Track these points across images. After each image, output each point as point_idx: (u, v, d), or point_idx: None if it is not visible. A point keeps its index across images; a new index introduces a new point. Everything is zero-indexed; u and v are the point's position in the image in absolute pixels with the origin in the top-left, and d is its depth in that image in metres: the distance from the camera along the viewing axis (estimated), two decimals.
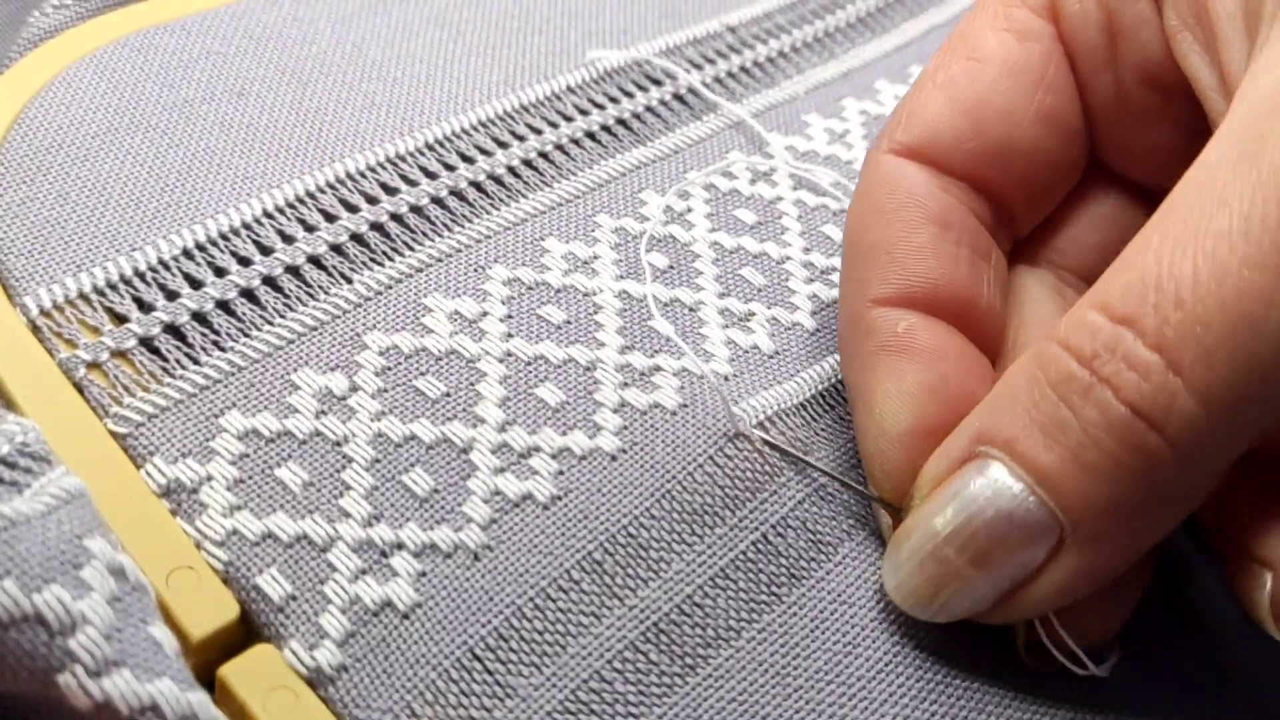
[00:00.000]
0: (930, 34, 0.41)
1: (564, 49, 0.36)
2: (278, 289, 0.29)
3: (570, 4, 0.37)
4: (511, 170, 0.33)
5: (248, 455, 0.26)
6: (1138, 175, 0.29)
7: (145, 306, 0.28)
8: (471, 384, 0.28)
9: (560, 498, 0.26)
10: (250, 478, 0.26)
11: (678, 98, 0.36)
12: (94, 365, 0.27)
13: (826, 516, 0.28)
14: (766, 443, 0.28)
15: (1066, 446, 0.23)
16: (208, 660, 0.24)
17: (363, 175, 0.31)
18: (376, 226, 0.30)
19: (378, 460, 0.26)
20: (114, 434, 0.26)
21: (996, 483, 0.24)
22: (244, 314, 0.28)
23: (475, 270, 0.30)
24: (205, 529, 0.25)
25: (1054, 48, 0.28)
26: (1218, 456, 0.23)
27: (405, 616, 0.24)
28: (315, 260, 0.29)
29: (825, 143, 0.36)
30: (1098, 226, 0.29)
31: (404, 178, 0.32)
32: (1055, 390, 0.23)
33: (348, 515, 0.25)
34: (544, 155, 0.33)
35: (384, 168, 0.32)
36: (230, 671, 0.24)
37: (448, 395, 0.28)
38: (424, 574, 0.25)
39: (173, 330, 0.28)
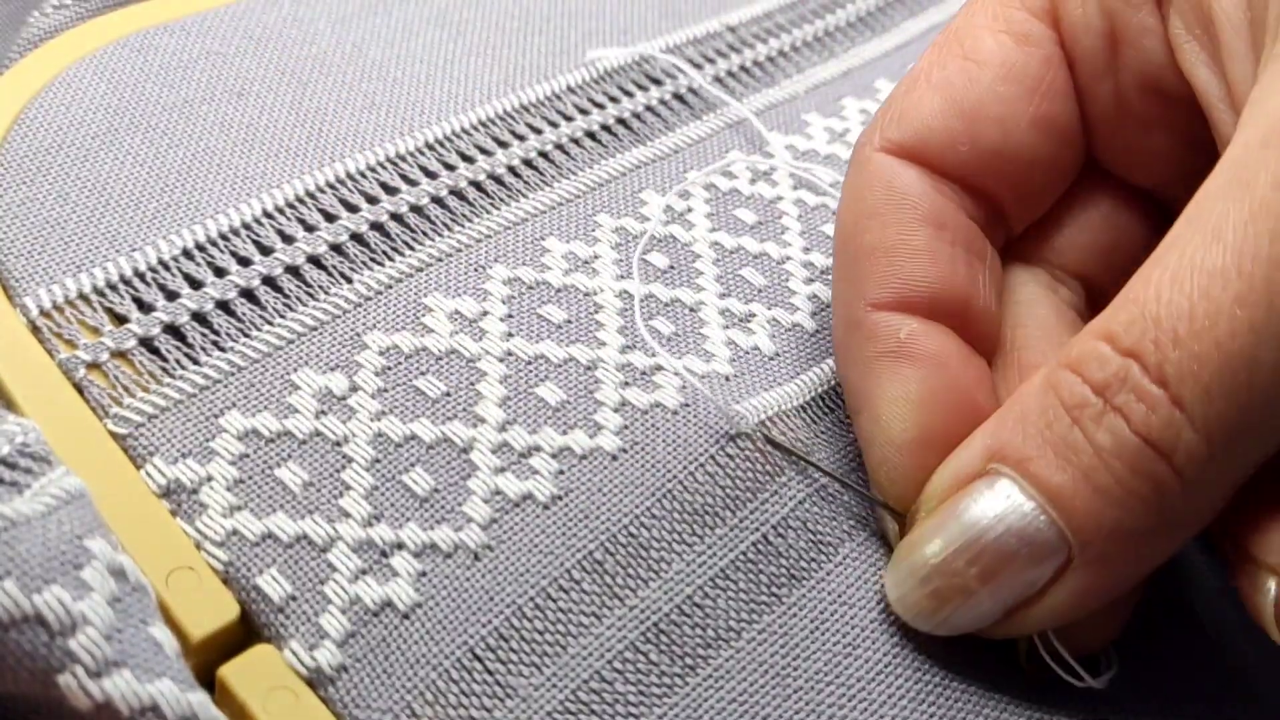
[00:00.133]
0: (930, 33, 0.41)
1: (564, 49, 0.36)
2: (278, 289, 0.29)
3: (570, 4, 0.37)
4: (512, 170, 0.33)
5: (248, 455, 0.26)
6: (1136, 178, 0.29)
7: (145, 307, 0.28)
8: (472, 383, 0.28)
9: (561, 497, 0.26)
10: (250, 478, 0.26)
11: (678, 97, 0.36)
12: (94, 366, 0.27)
13: (827, 517, 0.28)
14: (769, 441, 0.28)
15: (1079, 468, 0.23)
16: (208, 660, 0.24)
17: (363, 175, 0.31)
18: (376, 226, 0.30)
19: (378, 460, 0.26)
20: (114, 434, 0.26)
21: (1008, 500, 0.24)
22: (244, 314, 0.28)
23: (475, 270, 0.30)
24: (205, 529, 0.25)
25: (1054, 53, 0.28)
26: (1223, 485, 0.23)
27: (405, 616, 0.24)
28: (315, 260, 0.29)
29: (825, 142, 0.36)
30: (1094, 227, 0.29)
31: (404, 177, 0.32)
32: (1070, 414, 0.24)
33: (348, 515, 0.25)
34: (544, 155, 0.33)
35: (384, 167, 0.32)
36: (230, 672, 0.24)
37: (448, 395, 0.27)
38: (424, 574, 0.25)
39: (173, 330, 0.28)
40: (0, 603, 0.21)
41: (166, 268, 0.28)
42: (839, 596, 0.26)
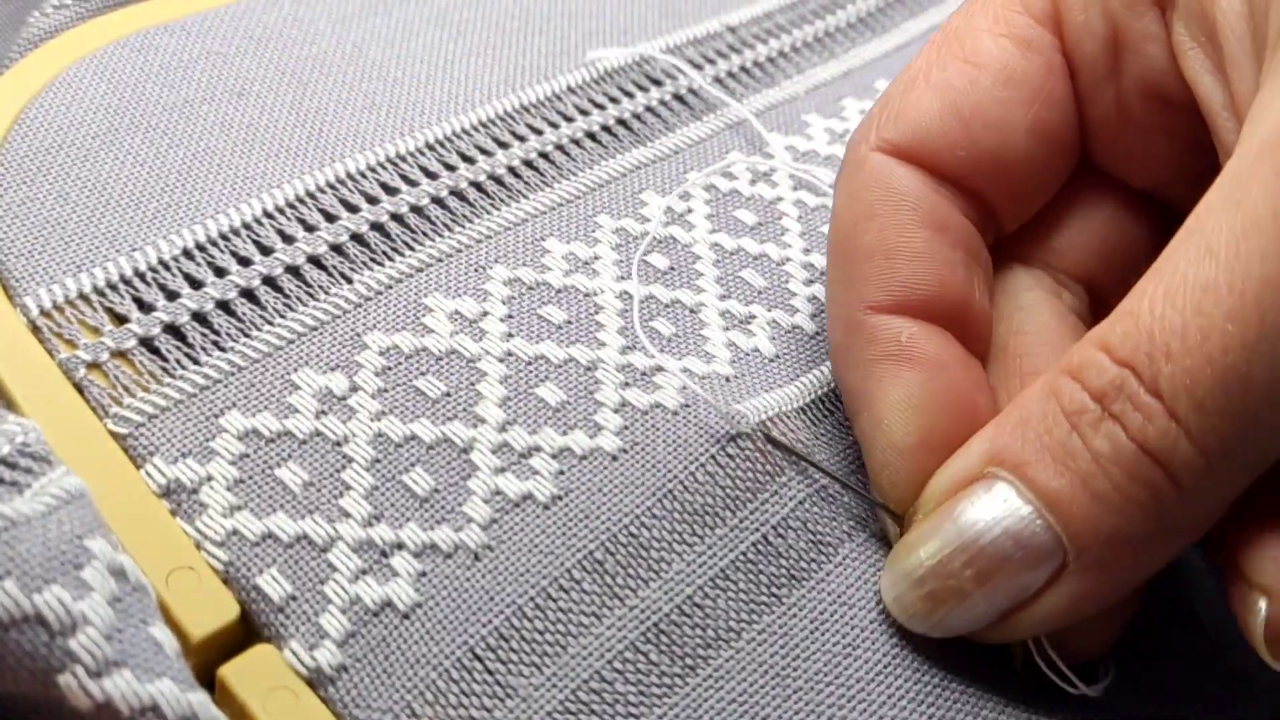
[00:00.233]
0: (930, 34, 0.41)
1: (564, 49, 0.36)
2: (278, 289, 0.29)
3: (570, 4, 0.37)
4: (512, 170, 0.33)
5: (248, 455, 0.26)
6: (1136, 181, 0.29)
7: (145, 307, 0.28)
8: (472, 384, 0.28)
9: (561, 497, 0.26)
10: (250, 478, 0.26)
11: (678, 98, 0.36)
12: (94, 365, 0.27)
13: (827, 518, 0.28)
14: (770, 441, 0.28)
15: (1077, 474, 0.23)
16: (208, 660, 0.24)
17: (363, 175, 0.31)
18: (377, 226, 0.30)
19: (378, 460, 0.26)
20: (114, 434, 0.26)
21: (1005, 503, 0.24)
22: (244, 314, 0.28)
23: (476, 270, 0.30)
24: (205, 529, 0.25)
25: (1055, 59, 0.28)
26: (1220, 495, 0.23)
27: (405, 616, 0.24)
28: (315, 260, 0.29)
29: (825, 143, 0.36)
30: (1097, 230, 0.29)
31: (404, 178, 0.32)
32: (1069, 419, 0.24)
33: (348, 515, 0.25)
34: (544, 155, 0.33)
35: (384, 168, 0.32)
36: (230, 672, 0.24)
37: (448, 395, 0.27)
38: (424, 574, 0.25)
39: (173, 330, 0.28)
40: (0, 602, 0.21)
41: (167, 268, 0.28)
42: (839, 597, 0.26)
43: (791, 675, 0.25)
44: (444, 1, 0.36)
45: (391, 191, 0.31)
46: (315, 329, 0.28)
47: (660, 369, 0.29)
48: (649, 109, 0.35)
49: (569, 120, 0.34)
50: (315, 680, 0.24)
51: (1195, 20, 0.26)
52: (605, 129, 0.34)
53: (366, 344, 0.28)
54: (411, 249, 0.30)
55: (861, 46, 0.40)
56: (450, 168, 0.32)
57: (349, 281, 0.29)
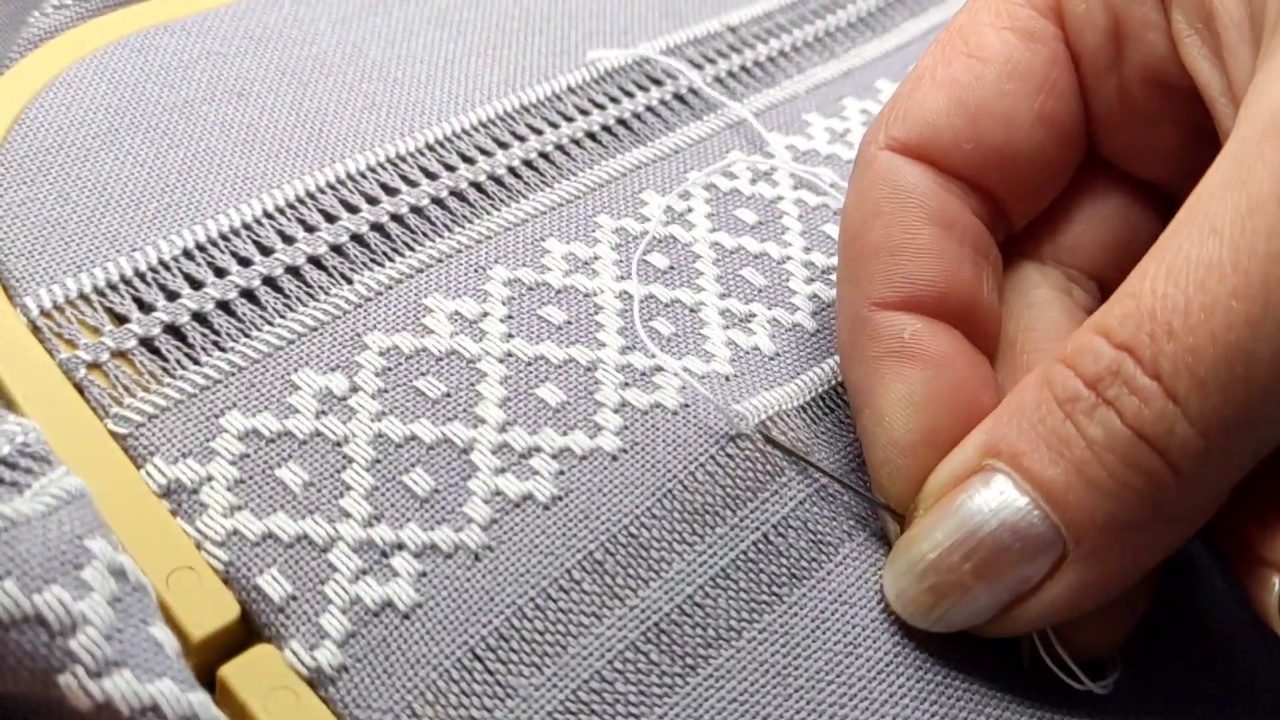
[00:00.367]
0: (931, 33, 0.41)
1: (564, 49, 0.36)
2: (278, 289, 0.29)
3: (570, 4, 0.37)
4: (512, 171, 0.33)
5: (248, 455, 0.26)
6: (1142, 172, 0.29)
7: (145, 307, 0.28)
8: (472, 384, 0.28)
9: (561, 498, 0.26)
10: (251, 478, 0.26)
11: (678, 97, 0.36)
12: (94, 365, 0.27)
13: (827, 517, 0.28)
14: (770, 441, 0.28)
15: (1071, 462, 0.23)
16: (208, 660, 0.24)
17: (363, 176, 0.31)
18: (377, 227, 0.30)
19: (378, 460, 0.26)
20: (114, 434, 0.26)
21: (1002, 495, 0.24)
22: (244, 314, 0.28)
23: (476, 271, 0.30)
24: (205, 529, 0.25)
25: (1059, 50, 0.28)
26: (1220, 480, 0.23)
27: (406, 617, 0.24)
28: (315, 261, 0.29)
29: (826, 142, 0.36)
30: (1104, 223, 0.29)
31: (404, 178, 0.32)
32: (1062, 408, 0.23)
33: (348, 515, 0.25)
34: (544, 155, 0.33)
35: (384, 168, 0.32)
36: (231, 672, 0.24)
37: (448, 395, 0.27)
38: (424, 574, 0.25)
39: (173, 330, 0.28)
40: (1, 603, 0.21)
41: (167, 268, 0.28)
42: (840, 596, 0.26)
43: (793, 674, 0.25)
44: (444, 1, 0.36)
45: (391, 192, 0.31)
46: (315, 329, 0.28)
47: (660, 369, 0.29)
48: (649, 109, 0.35)
49: (569, 120, 0.34)
50: (316, 680, 0.24)
51: (1193, 7, 0.26)
52: (605, 129, 0.34)
53: (367, 344, 0.28)
54: (411, 249, 0.30)
55: (862, 46, 0.40)
56: (450, 168, 0.32)
57: (349, 282, 0.29)
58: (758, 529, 0.27)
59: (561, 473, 0.27)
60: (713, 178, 0.34)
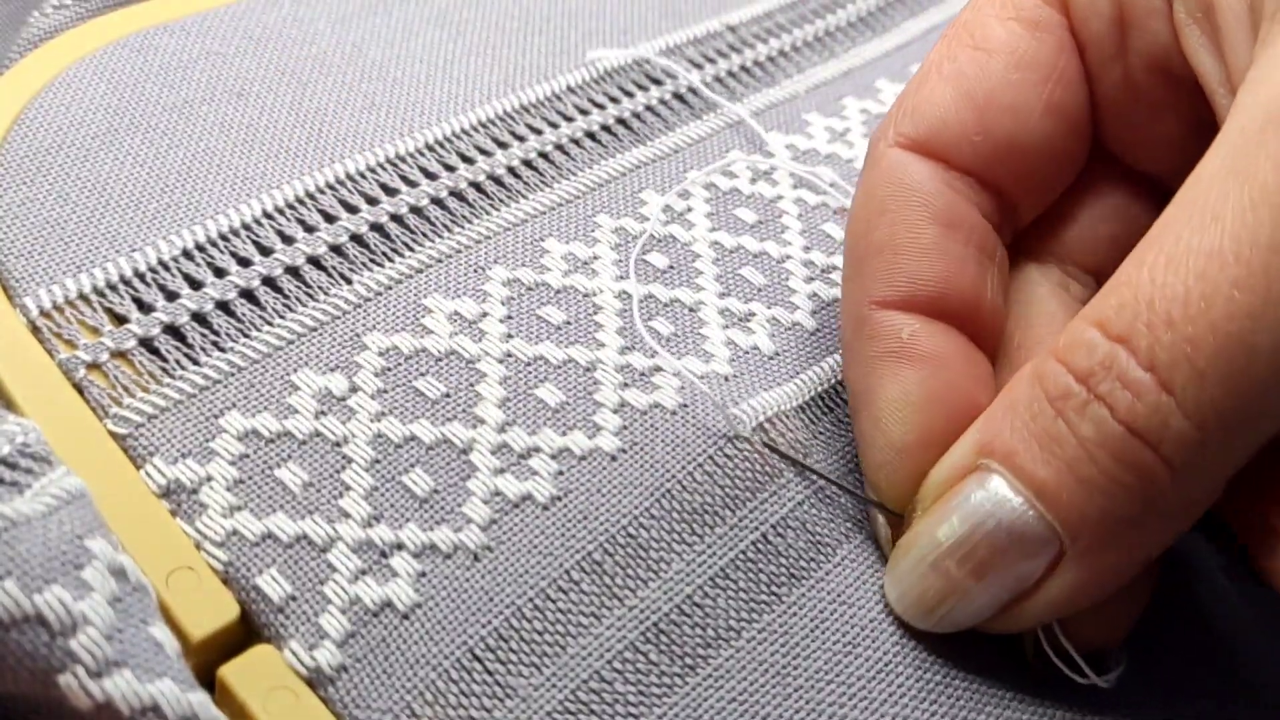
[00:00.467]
0: (931, 33, 0.41)
1: (564, 49, 0.36)
2: (277, 289, 0.29)
3: (570, 4, 0.37)
4: (511, 170, 0.33)
5: (247, 456, 0.26)
6: (1145, 165, 0.29)
7: (145, 307, 0.28)
8: (471, 384, 0.28)
9: (560, 498, 0.26)
10: (250, 478, 0.26)
11: (678, 97, 0.36)
12: (94, 366, 0.27)
13: (826, 517, 0.28)
14: (768, 446, 0.28)
15: (1063, 460, 0.23)
16: (208, 661, 0.24)
17: (362, 176, 0.31)
18: (376, 227, 0.30)
19: (377, 461, 0.26)
20: (114, 434, 0.26)
21: (997, 495, 0.24)
22: (244, 314, 0.28)
23: (475, 271, 0.30)
24: (205, 529, 0.25)
25: (1064, 39, 0.27)
26: (1215, 472, 0.23)
27: (405, 617, 0.24)
28: (315, 261, 0.29)
29: (825, 141, 0.36)
30: (1104, 220, 0.29)
31: (404, 178, 0.32)
32: (1053, 405, 0.23)
33: (348, 516, 0.25)
34: (544, 155, 0.33)
35: (384, 168, 0.32)
36: (230, 672, 0.24)
37: (447, 396, 0.28)
38: (424, 574, 0.25)
39: (172, 331, 0.28)
40: (1, 603, 0.21)
41: (166, 268, 0.28)
42: (839, 596, 0.26)
43: (792, 674, 0.25)
44: (444, 1, 0.36)
45: (391, 192, 0.31)
46: (315, 330, 0.28)
47: (659, 369, 0.29)
48: (648, 108, 0.35)
49: (568, 120, 0.34)
50: (315, 680, 0.24)
51: None
52: (605, 128, 0.34)
53: (366, 345, 0.28)
54: (411, 250, 0.30)
55: (862, 46, 0.40)
56: (450, 168, 0.32)
57: (348, 282, 0.29)
58: (757, 529, 0.27)
59: (560, 473, 0.27)
60: (712, 177, 0.34)
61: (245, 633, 0.25)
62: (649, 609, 0.25)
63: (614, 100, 0.35)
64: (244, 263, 0.29)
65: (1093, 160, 0.29)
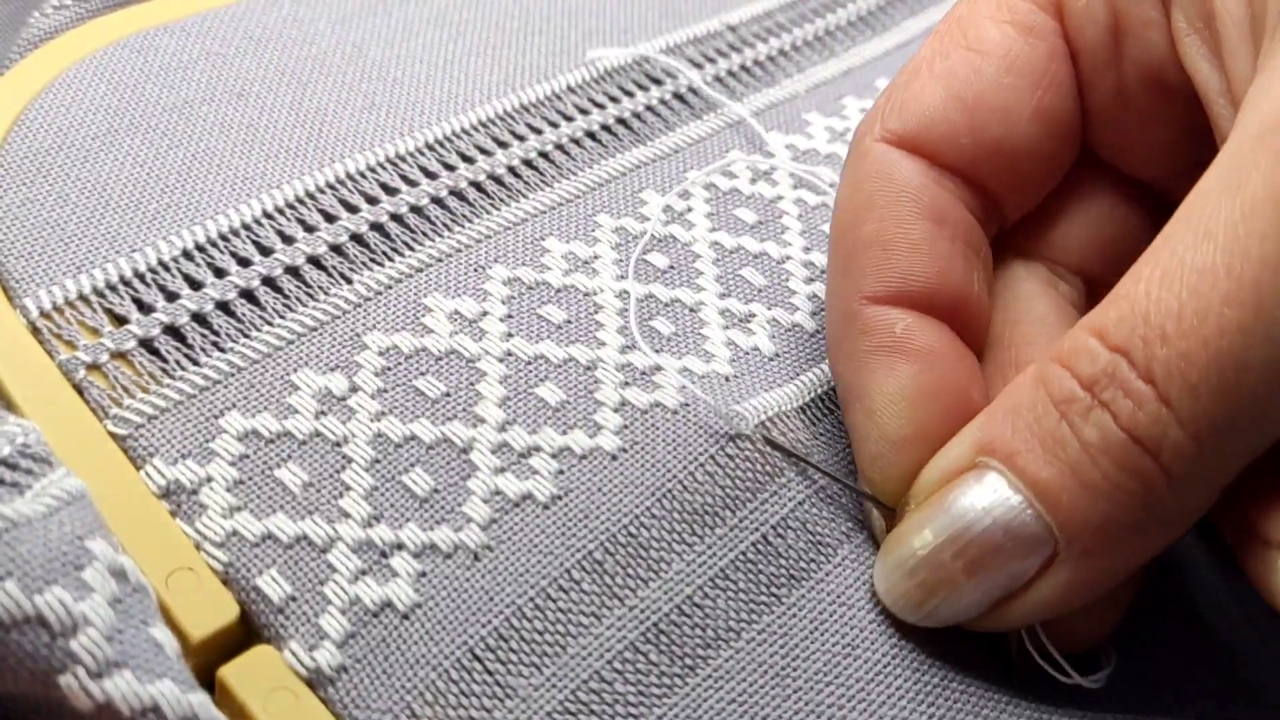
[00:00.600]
0: (932, 33, 0.41)
1: (564, 48, 0.36)
2: (277, 289, 0.29)
3: (570, 4, 0.37)
4: (511, 170, 0.33)
5: (247, 456, 0.26)
6: (1135, 170, 0.29)
7: (145, 308, 0.28)
8: (471, 384, 0.28)
9: (560, 497, 0.26)
10: (250, 479, 0.26)
11: (678, 97, 0.36)
12: (94, 367, 0.27)
13: (826, 518, 0.28)
14: (769, 442, 0.28)
15: (1066, 463, 0.23)
16: (208, 661, 0.24)
17: (362, 175, 0.31)
18: (376, 227, 0.30)
19: (377, 460, 0.26)
20: (114, 435, 0.26)
21: (995, 493, 0.24)
22: (244, 315, 0.28)
23: (475, 270, 0.30)
24: (205, 530, 0.25)
25: (1058, 45, 0.28)
26: (1211, 482, 0.23)
27: (405, 617, 0.24)
28: (315, 260, 0.29)
29: (826, 141, 0.36)
30: (1093, 221, 0.29)
31: (404, 178, 0.32)
32: (1058, 408, 0.24)
33: (347, 516, 0.25)
34: (544, 155, 0.33)
35: (384, 168, 0.32)
36: (230, 672, 0.24)
37: (448, 395, 0.28)
38: (424, 574, 0.25)
39: (172, 331, 0.28)
40: (2, 603, 0.21)
41: (166, 269, 0.28)
42: (838, 597, 0.26)
43: (791, 675, 0.25)
44: (444, 1, 0.36)
45: (391, 192, 0.31)
46: (315, 329, 0.28)
47: (660, 368, 0.29)
48: (649, 108, 0.35)
49: (569, 119, 0.34)
50: (315, 681, 0.24)
51: (1194, 7, 0.26)
52: (605, 128, 0.34)
53: (366, 344, 0.28)
54: (411, 249, 0.30)
55: (862, 45, 0.40)
56: (450, 168, 0.32)
57: (348, 282, 0.29)
58: (757, 530, 0.27)
59: (561, 472, 0.27)
60: (712, 177, 0.34)
61: (245, 633, 0.25)
62: (649, 609, 0.25)
63: (614, 100, 0.35)
64: (244, 263, 0.29)
65: (1083, 164, 0.29)
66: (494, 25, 0.36)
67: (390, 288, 0.29)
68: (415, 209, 0.31)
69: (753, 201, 0.33)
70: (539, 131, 0.34)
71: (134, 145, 0.30)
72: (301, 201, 0.30)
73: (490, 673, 0.24)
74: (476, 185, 0.32)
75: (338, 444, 0.26)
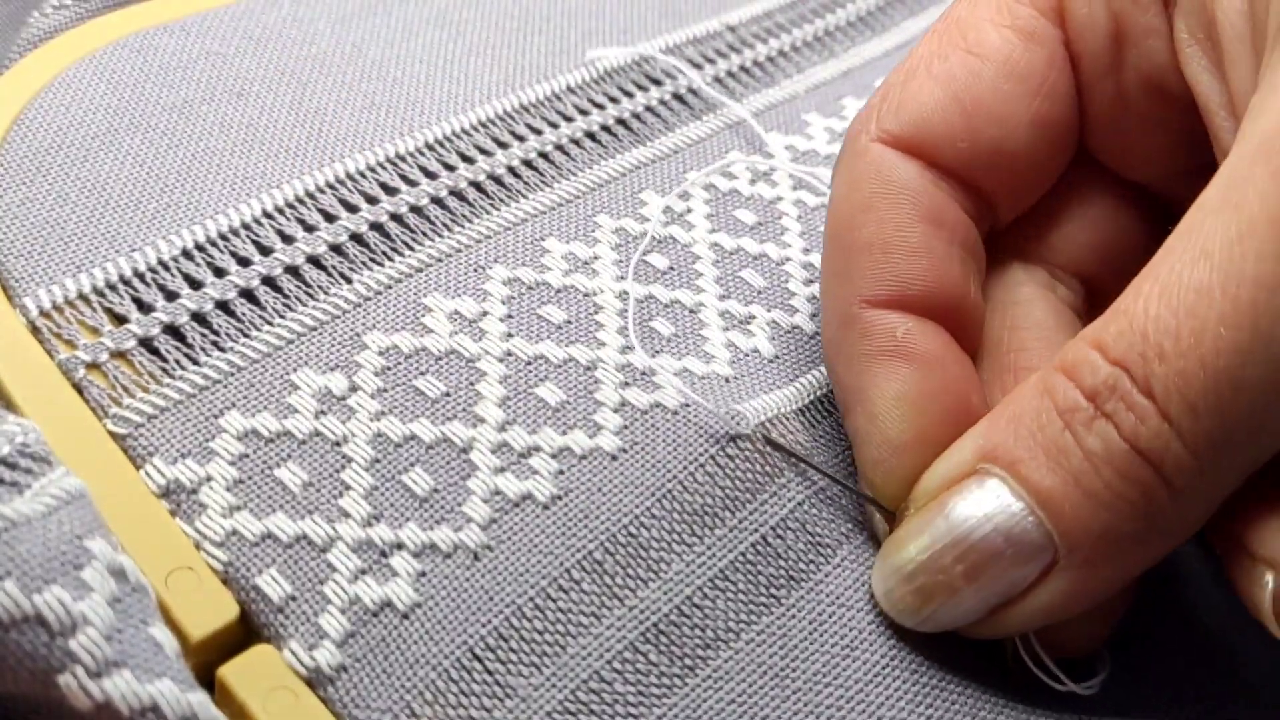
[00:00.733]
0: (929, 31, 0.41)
1: (564, 49, 0.36)
2: (277, 289, 0.29)
3: (570, 4, 0.37)
4: (511, 170, 0.33)
5: (247, 455, 0.26)
6: (1132, 174, 0.29)
7: (145, 307, 0.28)
8: (471, 384, 0.28)
9: (560, 497, 0.26)
10: (250, 478, 0.26)
11: (677, 97, 0.36)
12: (93, 366, 0.27)
13: (826, 519, 0.28)
14: (769, 442, 0.28)
15: (1069, 472, 0.23)
16: (207, 661, 0.24)
17: (362, 175, 0.31)
18: (376, 226, 0.30)
19: (377, 460, 0.26)
20: (113, 434, 0.26)
21: (997, 500, 0.24)
22: (243, 314, 0.28)
23: (475, 270, 0.30)
24: (205, 529, 0.25)
25: (1058, 52, 0.28)
26: (1211, 495, 0.24)
27: (405, 616, 0.24)
28: (315, 260, 0.29)
29: (825, 142, 0.36)
30: (1092, 225, 0.29)
31: (404, 178, 0.32)
32: (1062, 417, 0.24)
33: (347, 515, 0.25)
34: (544, 155, 0.33)
35: (384, 168, 0.32)
36: (230, 672, 0.24)
37: (447, 395, 0.28)
38: (424, 574, 0.25)
39: (172, 331, 0.28)
40: (1, 603, 0.21)
41: (166, 268, 0.28)
42: (837, 598, 0.26)
43: (790, 676, 0.25)
44: (444, 1, 0.36)
45: (391, 191, 0.31)
46: (315, 329, 0.28)
47: (656, 372, 0.29)
48: (648, 108, 0.35)
49: (568, 120, 0.34)
50: (315, 680, 0.24)
51: (1196, 17, 0.26)
52: (605, 129, 0.34)
53: (366, 344, 0.28)
54: (411, 249, 0.30)
55: (861, 45, 0.40)
56: (450, 168, 0.32)
57: (348, 281, 0.29)
58: (756, 530, 0.27)
59: (561, 472, 0.27)
60: (712, 178, 0.34)
61: (245, 633, 0.25)
62: (649, 609, 0.25)
63: (614, 100, 0.35)
64: (244, 262, 0.29)
65: (1082, 168, 0.29)
66: (494, 25, 0.36)
67: (390, 287, 0.29)
68: (415, 209, 0.31)
69: (752, 202, 0.33)
70: (539, 132, 0.34)
71: (134, 145, 0.30)
72: (301, 201, 0.30)
73: (490, 672, 0.24)
74: (476, 185, 0.32)
75: (337, 443, 0.26)
